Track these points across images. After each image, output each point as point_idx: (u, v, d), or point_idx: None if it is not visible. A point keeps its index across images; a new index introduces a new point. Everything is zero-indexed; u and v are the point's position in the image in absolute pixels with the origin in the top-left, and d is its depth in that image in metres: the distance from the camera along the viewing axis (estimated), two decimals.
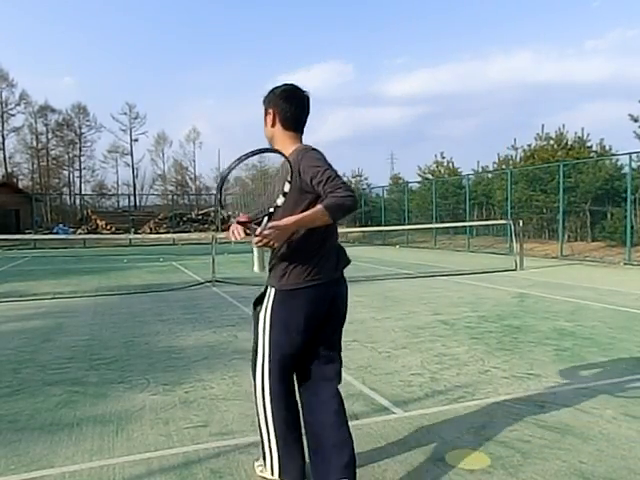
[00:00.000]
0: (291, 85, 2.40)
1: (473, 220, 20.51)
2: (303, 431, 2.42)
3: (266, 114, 2.41)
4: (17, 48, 76.83)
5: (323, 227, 2.20)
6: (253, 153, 2.14)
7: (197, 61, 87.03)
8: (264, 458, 2.44)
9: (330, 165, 2.22)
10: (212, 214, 35.72)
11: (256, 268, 2.21)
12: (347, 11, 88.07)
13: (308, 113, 2.42)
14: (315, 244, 2.27)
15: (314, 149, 2.32)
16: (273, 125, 2.39)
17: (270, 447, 2.38)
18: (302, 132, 2.42)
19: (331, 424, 2.31)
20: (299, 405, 2.40)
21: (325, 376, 2.38)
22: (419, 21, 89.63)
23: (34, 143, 53.14)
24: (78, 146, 54.93)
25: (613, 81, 76.04)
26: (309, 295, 2.25)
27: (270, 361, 2.30)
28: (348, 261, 2.43)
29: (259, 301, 2.41)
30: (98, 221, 34.38)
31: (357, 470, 2.56)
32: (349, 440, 2.31)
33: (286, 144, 2.35)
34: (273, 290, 2.31)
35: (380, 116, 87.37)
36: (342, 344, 2.45)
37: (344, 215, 2.16)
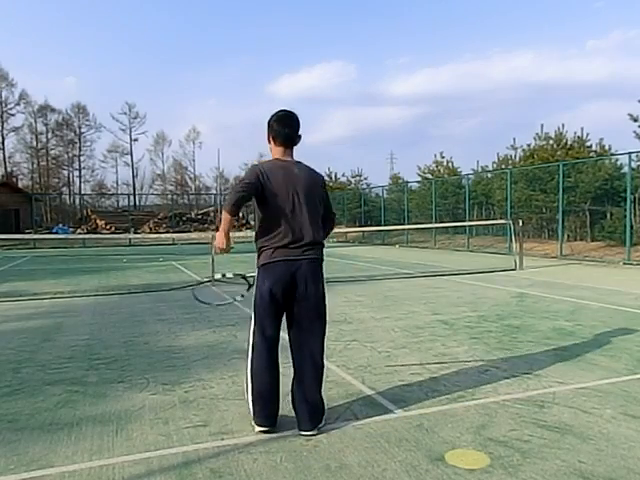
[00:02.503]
0: (283, 111, 3.18)
1: (473, 220, 20.50)
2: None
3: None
4: (17, 48, 76.85)
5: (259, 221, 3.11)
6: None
7: (199, 61, 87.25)
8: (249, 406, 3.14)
9: (243, 179, 3.01)
10: (212, 214, 35.74)
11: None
12: (350, 11, 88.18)
13: (293, 132, 3.15)
14: (272, 236, 3.04)
15: (252, 166, 3.15)
16: (269, 142, 3.20)
17: (247, 394, 3.12)
18: (291, 145, 3.17)
19: (302, 389, 3.04)
20: (275, 362, 3.12)
21: (302, 349, 3.09)
22: (422, 21, 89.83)
23: (34, 143, 53.17)
24: (78, 146, 54.98)
25: (614, 81, 76.27)
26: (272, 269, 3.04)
27: (254, 318, 3.14)
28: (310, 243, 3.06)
29: None
30: (98, 221, 34.37)
31: (357, 470, 2.58)
32: (315, 409, 3.03)
33: (274, 155, 3.18)
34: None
35: (381, 116, 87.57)
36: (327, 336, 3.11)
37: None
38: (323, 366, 3.13)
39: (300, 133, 3.19)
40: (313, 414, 3.02)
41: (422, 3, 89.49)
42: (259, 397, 3.06)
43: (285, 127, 3.12)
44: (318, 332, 3.11)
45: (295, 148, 3.21)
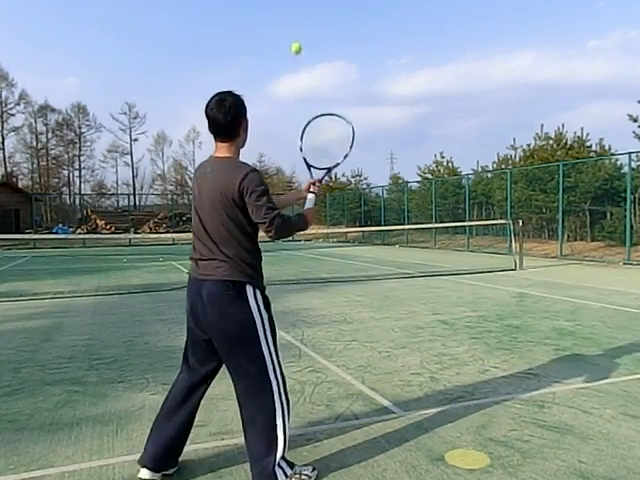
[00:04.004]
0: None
1: (473, 220, 20.50)
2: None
3: None
4: (18, 48, 76.89)
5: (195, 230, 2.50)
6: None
7: (200, 61, 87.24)
8: None
9: None
10: None
11: None
12: (351, 11, 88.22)
13: (220, 120, 2.40)
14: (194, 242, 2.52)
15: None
16: None
17: None
18: (222, 137, 2.44)
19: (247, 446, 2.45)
20: (178, 392, 2.66)
21: (238, 398, 2.49)
22: (424, 22, 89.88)
23: (34, 143, 53.20)
24: (78, 146, 55.02)
25: (614, 81, 76.36)
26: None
27: None
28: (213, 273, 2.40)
29: None
30: (98, 221, 34.36)
31: (357, 469, 2.58)
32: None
33: (217, 152, 2.49)
34: None
35: (382, 116, 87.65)
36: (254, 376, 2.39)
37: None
38: (268, 424, 2.37)
39: (243, 119, 2.46)
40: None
41: (424, 3, 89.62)
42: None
43: (211, 115, 2.42)
44: (242, 377, 2.41)
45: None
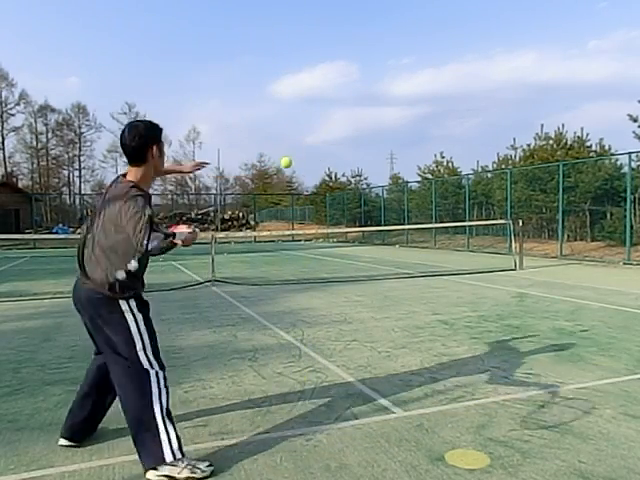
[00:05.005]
0: None
1: (473, 220, 20.50)
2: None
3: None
4: (19, 48, 76.91)
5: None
6: None
7: (200, 61, 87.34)
8: None
9: None
10: (212, 214, 35.76)
11: None
12: (352, 11, 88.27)
13: (126, 146, 2.54)
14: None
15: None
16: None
17: None
18: (130, 161, 2.58)
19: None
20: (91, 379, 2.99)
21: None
22: (425, 22, 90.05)
23: (34, 143, 53.23)
24: (78, 146, 55.08)
25: (614, 81, 76.45)
26: None
27: None
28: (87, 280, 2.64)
29: None
30: None
31: (357, 470, 2.58)
32: None
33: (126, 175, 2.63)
34: None
35: (382, 116, 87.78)
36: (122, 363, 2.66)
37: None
38: (145, 410, 2.56)
39: (152, 146, 2.54)
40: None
41: (425, 4, 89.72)
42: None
43: (122, 141, 2.55)
44: (113, 374, 2.69)
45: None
